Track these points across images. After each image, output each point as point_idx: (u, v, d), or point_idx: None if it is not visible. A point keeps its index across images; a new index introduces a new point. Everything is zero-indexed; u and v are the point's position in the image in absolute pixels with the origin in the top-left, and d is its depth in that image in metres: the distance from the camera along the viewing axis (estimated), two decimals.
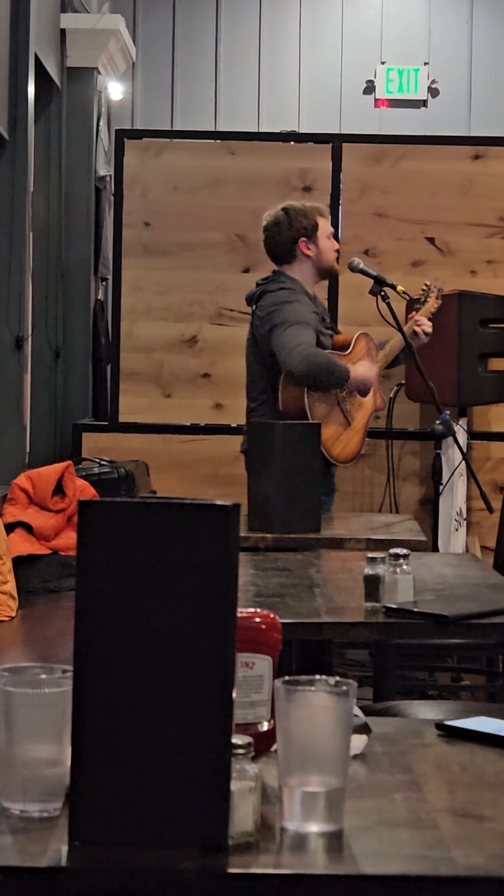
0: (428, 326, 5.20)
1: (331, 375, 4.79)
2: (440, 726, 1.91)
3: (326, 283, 5.62)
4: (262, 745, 1.65)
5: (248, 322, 5.16)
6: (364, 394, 5.04)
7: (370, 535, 4.17)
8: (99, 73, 8.43)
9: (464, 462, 5.31)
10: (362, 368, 4.99)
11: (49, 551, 4.47)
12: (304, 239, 5.01)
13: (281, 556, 3.83)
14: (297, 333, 4.78)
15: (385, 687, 4.12)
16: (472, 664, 5.28)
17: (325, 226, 5.07)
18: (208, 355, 6.20)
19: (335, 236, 5.23)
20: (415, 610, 2.86)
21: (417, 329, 5.16)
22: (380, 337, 5.26)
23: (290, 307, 4.87)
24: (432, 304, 5.41)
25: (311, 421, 4.78)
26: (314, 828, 1.47)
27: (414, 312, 5.37)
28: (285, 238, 5.03)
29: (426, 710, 3.32)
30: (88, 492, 4.86)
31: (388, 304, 4.88)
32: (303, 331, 4.80)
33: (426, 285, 5.47)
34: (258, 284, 5.10)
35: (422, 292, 5.44)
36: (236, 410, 5.85)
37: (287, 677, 1.52)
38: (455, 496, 5.87)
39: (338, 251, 5.13)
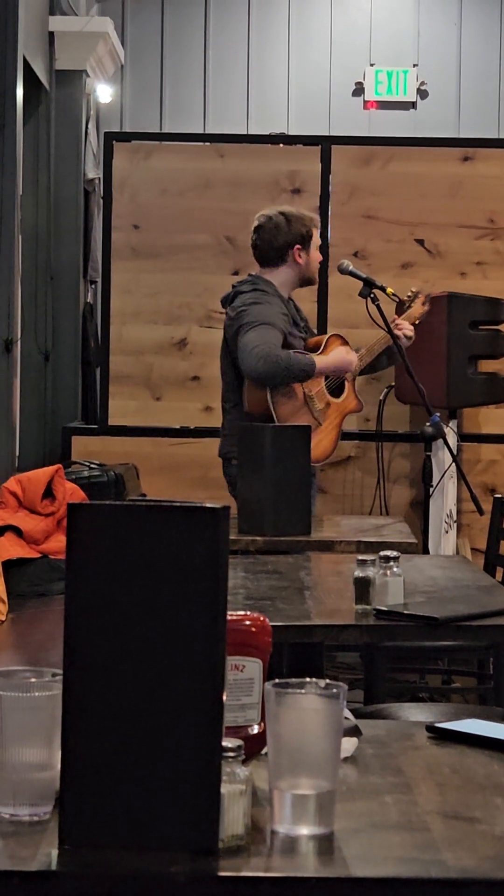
0: (409, 330, 5.17)
1: (290, 372, 4.77)
2: (431, 728, 1.91)
3: (316, 285, 5.61)
4: (253, 748, 1.64)
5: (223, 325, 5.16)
6: (342, 379, 5.01)
7: (360, 538, 4.17)
8: (87, 75, 8.43)
9: (454, 464, 5.31)
10: (335, 355, 4.97)
11: (39, 555, 4.47)
12: (298, 246, 5.01)
13: (271, 558, 3.83)
14: (259, 334, 4.77)
15: (376, 689, 4.12)
16: (462, 666, 5.27)
17: (316, 237, 5.08)
18: (197, 358, 6.20)
19: (324, 242, 5.24)
20: (405, 612, 2.86)
21: (398, 332, 5.14)
22: (369, 338, 5.26)
23: (257, 308, 4.87)
24: (417, 309, 5.36)
25: (276, 420, 4.79)
26: (304, 831, 1.46)
27: (396, 316, 5.36)
28: (280, 242, 5.02)
29: (417, 713, 3.32)
30: (78, 495, 4.85)
31: (378, 307, 4.88)
32: (266, 331, 4.79)
33: (412, 291, 5.43)
34: (233, 287, 5.10)
35: (408, 297, 5.41)
36: None
37: (277, 680, 1.51)
38: (445, 498, 5.87)
39: (320, 262, 5.15)
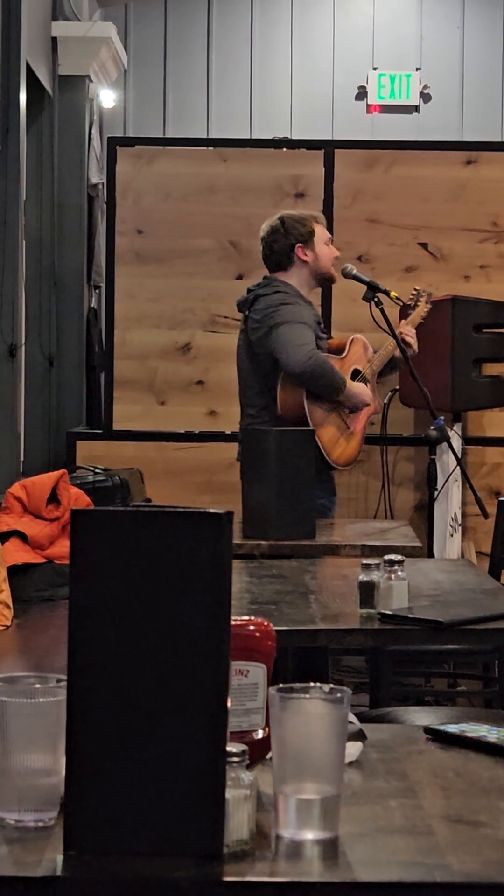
0: (411, 338, 5.18)
1: (330, 380, 4.80)
2: (428, 731, 1.91)
3: (319, 288, 5.62)
4: (257, 752, 1.64)
5: (240, 329, 5.15)
6: (354, 411, 5.03)
7: (365, 542, 4.17)
8: (91, 80, 8.44)
9: (458, 467, 5.31)
10: (359, 387, 4.99)
11: (44, 560, 4.47)
12: (300, 245, 5.01)
13: (276, 563, 3.83)
14: (299, 333, 4.78)
15: (381, 693, 4.12)
16: (468, 670, 5.27)
17: (321, 233, 5.07)
18: (202, 362, 6.20)
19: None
20: (410, 616, 2.86)
21: (406, 339, 5.15)
22: (372, 342, 5.26)
23: (288, 308, 4.87)
24: (422, 309, 5.40)
25: (310, 424, 4.79)
26: (309, 835, 1.46)
27: (402, 321, 5.37)
28: (282, 245, 5.03)
29: (422, 717, 3.31)
30: (83, 500, 4.85)
31: (382, 310, 4.88)
32: (304, 331, 4.80)
33: (415, 290, 5.46)
34: (250, 290, 5.09)
35: (411, 297, 5.43)
36: (230, 417, 5.85)
37: (281, 685, 1.51)
38: (450, 502, 5.86)
39: (337, 258, 5.12)
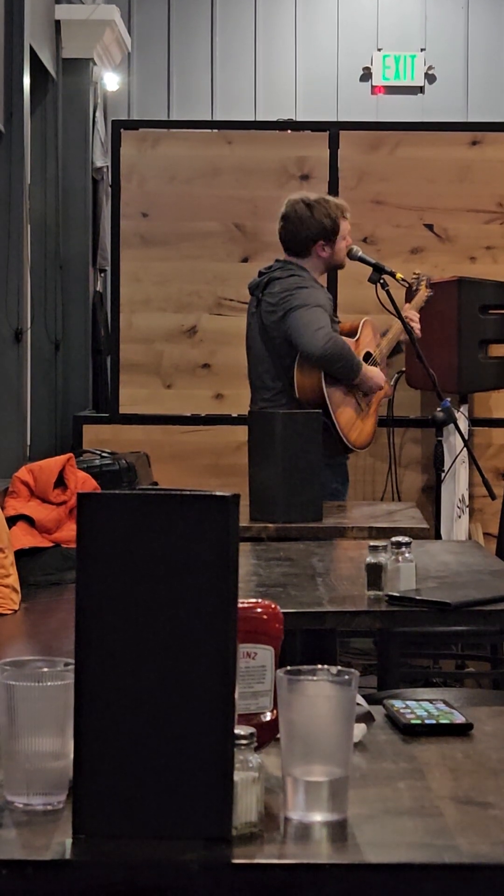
0: (414, 320, 5.15)
1: (349, 362, 4.79)
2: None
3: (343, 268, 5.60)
4: (266, 735, 1.64)
5: (249, 311, 5.14)
6: (368, 394, 5.02)
7: (372, 524, 4.17)
8: (94, 63, 8.42)
9: (465, 449, 5.30)
10: (373, 370, 4.99)
11: (51, 544, 4.48)
12: (322, 242, 4.96)
13: (283, 545, 3.83)
14: (316, 316, 4.77)
15: (389, 675, 4.12)
16: (476, 651, 5.27)
17: (344, 227, 5.02)
18: (208, 345, 6.20)
19: None
20: (417, 598, 2.86)
21: (410, 323, 5.14)
22: (379, 324, 5.25)
23: (305, 292, 4.86)
24: (423, 293, 5.37)
25: (328, 407, 4.79)
26: (318, 817, 1.47)
27: (406, 305, 5.34)
28: (304, 235, 4.96)
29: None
30: (90, 484, 4.86)
31: (388, 292, 4.87)
32: (321, 314, 4.80)
33: (416, 274, 5.40)
34: (262, 273, 5.07)
35: (413, 279, 5.38)
36: (237, 400, 5.85)
37: (289, 667, 1.51)
38: (457, 483, 5.86)
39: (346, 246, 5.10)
